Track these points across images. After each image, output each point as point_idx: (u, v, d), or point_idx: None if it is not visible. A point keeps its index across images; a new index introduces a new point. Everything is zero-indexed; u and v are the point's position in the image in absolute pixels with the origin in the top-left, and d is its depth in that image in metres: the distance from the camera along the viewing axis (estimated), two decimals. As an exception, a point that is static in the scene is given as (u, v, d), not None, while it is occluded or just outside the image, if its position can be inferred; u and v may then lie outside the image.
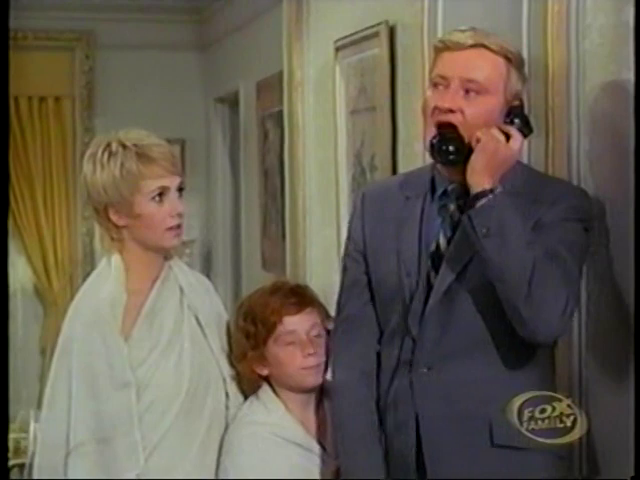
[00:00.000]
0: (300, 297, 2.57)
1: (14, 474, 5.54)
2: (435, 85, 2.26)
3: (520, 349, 2.22)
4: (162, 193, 2.48)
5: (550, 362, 2.34)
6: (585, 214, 2.24)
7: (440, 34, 3.04)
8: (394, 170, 3.48)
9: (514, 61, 2.24)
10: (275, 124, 5.26)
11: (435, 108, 2.23)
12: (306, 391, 2.57)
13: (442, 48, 2.27)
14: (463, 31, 2.26)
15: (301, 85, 4.41)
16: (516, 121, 2.24)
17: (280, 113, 4.79)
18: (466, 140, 2.21)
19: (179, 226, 2.51)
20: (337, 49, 3.96)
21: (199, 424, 2.53)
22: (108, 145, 2.49)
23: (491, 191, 2.15)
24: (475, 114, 2.21)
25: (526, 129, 2.26)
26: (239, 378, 2.59)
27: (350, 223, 2.52)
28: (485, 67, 2.21)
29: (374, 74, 3.64)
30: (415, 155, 3.29)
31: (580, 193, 2.30)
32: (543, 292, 2.11)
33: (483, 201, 2.15)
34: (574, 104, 2.42)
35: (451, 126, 2.22)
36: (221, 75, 6.57)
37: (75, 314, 2.53)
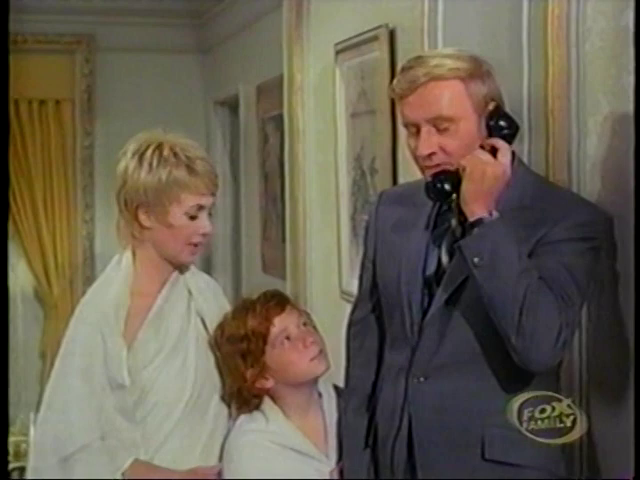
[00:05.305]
0: (277, 298, 2.59)
1: (14, 477, 5.55)
2: (409, 130, 2.22)
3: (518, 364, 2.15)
4: (197, 210, 2.49)
5: (552, 378, 2.26)
6: (592, 232, 2.17)
7: (440, 37, 3.05)
8: (394, 173, 3.48)
9: (468, 73, 2.17)
10: (275, 127, 5.26)
11: (417, 156, 2.21)
12: (315, 381, 2.57)
13: (398, 96, 2.21)
14: (408, 69, 2.19)
15: (301, 88, 4.41)
16: (500, 123, 2.18)
17: (280, 116, 4.79)
18: (456, 169, 2.16)
19: (199, 244, 2.53)
20: (337, 52, 3.96)
21: (202, 428, 2.53)
22: (159, 147, 2.47)
23: (487, 218, 2.11)
24: (455, 145, 2.17)
25: (512, 128, 2.20)
26: (238, 405, 2.56)
27: (365, 229, 2.53)
28: (443, 98, 2.16)
29: (374, 77, 3.64)
30: (415, 158, 3.29)
31: (587, 208, 2.22)
32: (534, 322, 2.06)
33: (476, 230, 2.11)
34: (574, 108, 2.42)
35: (438, 166, 2.19)
36: (221, 78, 6.57)
37: (80, 315, 2.53)
